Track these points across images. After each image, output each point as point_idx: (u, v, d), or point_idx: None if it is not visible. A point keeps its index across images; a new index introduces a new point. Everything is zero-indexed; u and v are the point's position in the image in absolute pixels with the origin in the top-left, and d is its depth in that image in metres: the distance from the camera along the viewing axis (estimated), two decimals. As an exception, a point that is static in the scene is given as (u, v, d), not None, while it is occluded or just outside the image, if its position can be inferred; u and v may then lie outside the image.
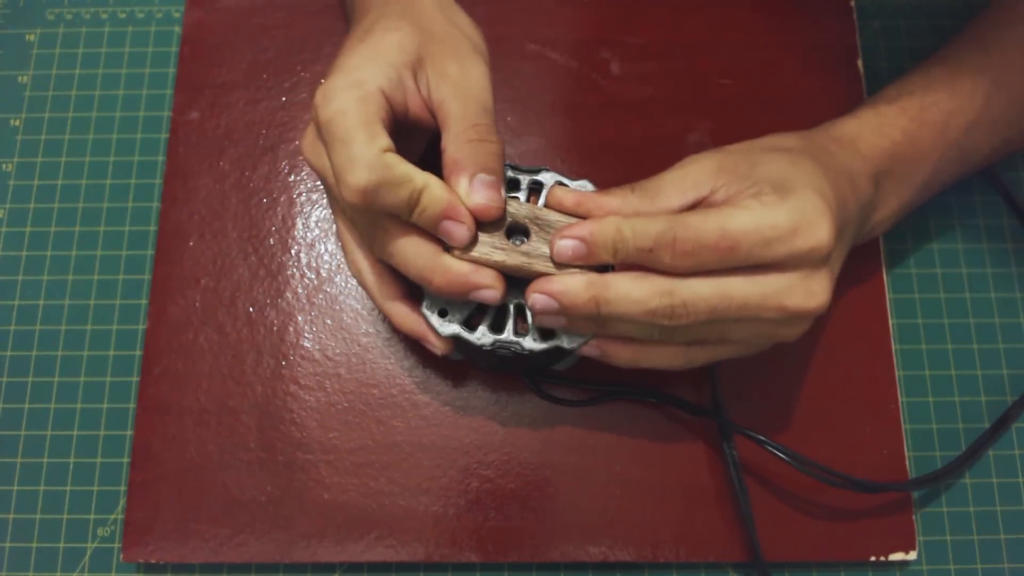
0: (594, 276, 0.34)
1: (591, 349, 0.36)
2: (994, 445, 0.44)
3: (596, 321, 0.34)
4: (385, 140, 0.33)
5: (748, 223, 0.32)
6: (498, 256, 0.34)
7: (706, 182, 0.35)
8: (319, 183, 0.47)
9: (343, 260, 0.46)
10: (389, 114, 0.34)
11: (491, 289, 0.34)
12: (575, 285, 0.33)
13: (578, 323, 0.35)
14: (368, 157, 0.32)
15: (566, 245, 0.34)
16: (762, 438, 0.40)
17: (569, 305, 0.33)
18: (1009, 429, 0.44)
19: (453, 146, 0.34)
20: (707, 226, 0.32)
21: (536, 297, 0.34)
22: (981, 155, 0.42)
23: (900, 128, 0.39)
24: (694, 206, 0.35)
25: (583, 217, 0.35)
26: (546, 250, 0.35)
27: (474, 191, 0.34)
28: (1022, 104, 0.41)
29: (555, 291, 0.33)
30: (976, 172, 0.43)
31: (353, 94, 0.33)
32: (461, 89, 0.35)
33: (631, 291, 0.33)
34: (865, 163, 0.38)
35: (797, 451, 0.40)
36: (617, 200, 0.35)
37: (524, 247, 0.35)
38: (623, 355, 0.36)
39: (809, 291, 0.33)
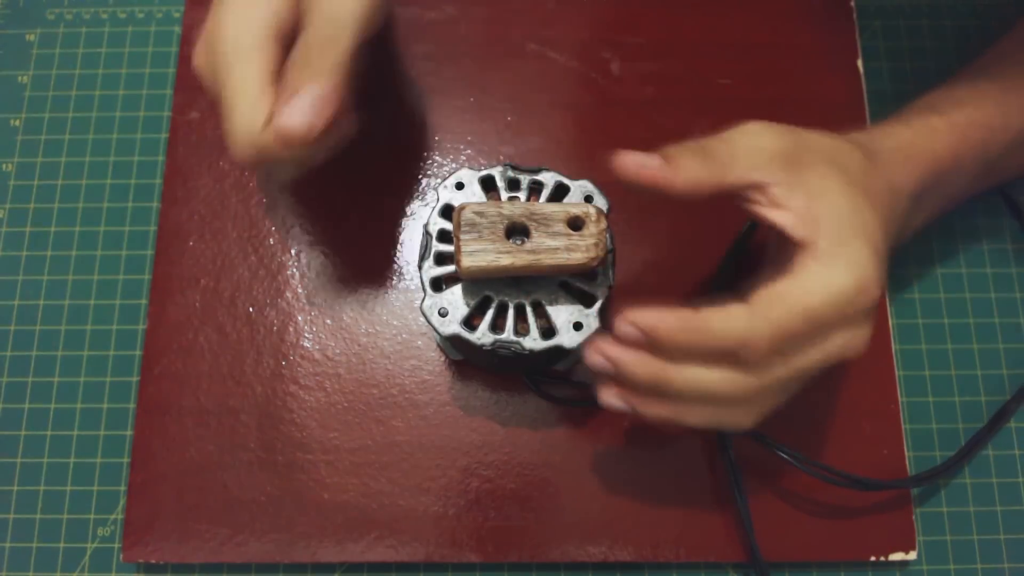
0: (659, 363, 0.32)
1: (618, 403, 0.33)
2: (993, 444, 0.44)
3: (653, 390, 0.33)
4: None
5: (824, 295, 0.31)
6: (505, 260, 0.34)
7: (772, 173, 0.33)
8: (319, 183, 0.47)
9: (343, 260, 0.46)
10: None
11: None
12: (637, 361, 0.32)
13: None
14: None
15: (628, 331, 0.31)
16: (764, 436, 0.40)
17: (628, 374, 0.32)
18: (1008, 422, 0.44)
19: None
20: (791, 313, 0.31)
21: (595, 359, 0.32)
22: (1007, 174, 0.41)
23: (947, 145, 0.38)
24: (748, 188, 0.33)
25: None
26: (551, 243, 0.34)
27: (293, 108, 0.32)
28: None
29: (613, 356, 0.32)
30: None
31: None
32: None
33: (701, 378, 0.31)
34: (909, 179, 0.37)
35: (797, 451, 0.40)
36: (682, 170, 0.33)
37: (528, 245, 0.35)
38: (656, 411, 0.33)
39: (861, 338, 0.33)
